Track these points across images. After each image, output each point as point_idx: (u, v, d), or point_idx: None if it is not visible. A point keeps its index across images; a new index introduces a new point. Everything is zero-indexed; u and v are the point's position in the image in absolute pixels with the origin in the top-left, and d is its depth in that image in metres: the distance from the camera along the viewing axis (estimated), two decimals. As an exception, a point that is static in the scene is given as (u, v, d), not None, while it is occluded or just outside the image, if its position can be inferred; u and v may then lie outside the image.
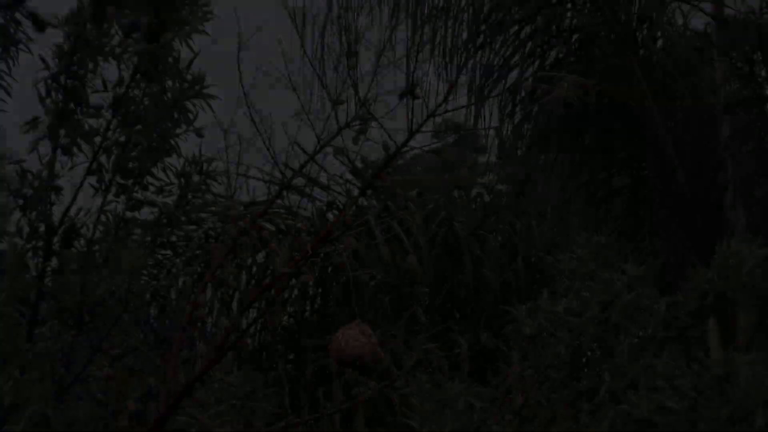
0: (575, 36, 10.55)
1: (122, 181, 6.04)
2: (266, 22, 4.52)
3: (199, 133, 6.13)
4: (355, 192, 9.60)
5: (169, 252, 9.78)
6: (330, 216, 9.07)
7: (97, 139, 5.93)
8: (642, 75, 9.97)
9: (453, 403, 5.05)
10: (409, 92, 4.39)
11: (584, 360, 4.88)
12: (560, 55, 10.57)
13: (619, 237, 5.24)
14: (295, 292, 8.79)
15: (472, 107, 10.88)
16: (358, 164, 9.61)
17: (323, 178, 9.67)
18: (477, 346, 7.86)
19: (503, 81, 10.58)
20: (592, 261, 4.95)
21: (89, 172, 5.97)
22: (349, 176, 10.10)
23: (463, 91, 10.89)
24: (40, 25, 1.53)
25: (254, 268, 8.92)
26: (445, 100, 4.56)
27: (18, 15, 5.82)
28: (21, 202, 5.71)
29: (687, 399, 4.58)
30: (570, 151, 10.91)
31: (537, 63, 10.49)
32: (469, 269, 9.45)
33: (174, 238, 9.31)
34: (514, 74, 10.61)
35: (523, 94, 10.38)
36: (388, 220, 8.43)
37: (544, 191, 12.15)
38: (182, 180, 6.18)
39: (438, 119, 4.50)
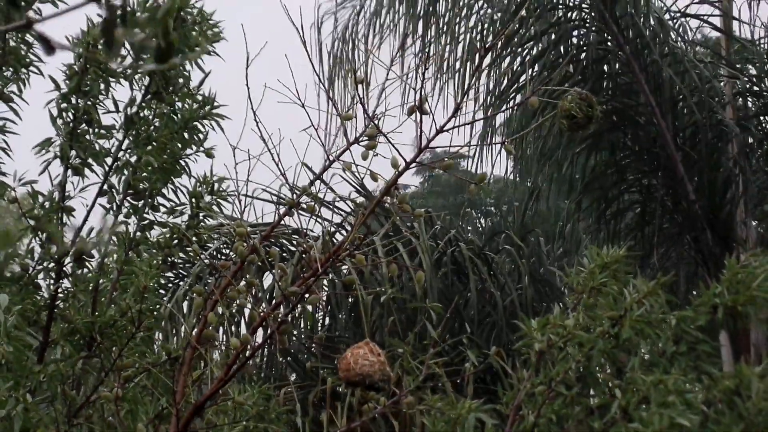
0: (584, 53, 10.57)
1: (133, 202, 6.05)
2: (274, 37, 4.53)
3: (209, 154, 6.14)
4: (362, 210, 9.60)
5: (171, 274, 9.77)
6: (338, 236, 9.08)
7: (108, 160, 5.94)
8: (651, 91, 9.99)
9: (463, 420, 5.04)
10: (418, 108, 4.40)
11: (595, 376, 4.86)
12: (568, 73, 10.60)
13: (628, 251, 5.20)
14: (303, 313, 8.81)
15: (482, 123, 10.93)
16: (366, 181, 9.64)
17: (330, 197, 9.69)
18: (484, 362, 7.86)
19: (512, 97, 10.63)
20: (601, 274, 4.94)
21: (100, 193, 5.98)
22: (355, 195, 10.12)
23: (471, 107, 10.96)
24: (49, 47, 1.52)
25: (259, 291, 8.91)
26: (454, 115, 4.57)
27: (29, 36, 5.84)
28: (33, 222, 5.72)
29: (698, 414, 4.55)
30: (581, 167, 10.93)
31: (545, 80, 10.51)
32: (474, 289, 9.44)
33: (178, 260, 9.32)
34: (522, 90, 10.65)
35: (531, 109, 10.40)
36: (394, 240, 8.42)
37: (555, 207, 12.16)
38: (193, 200, 6.19)
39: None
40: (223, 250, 9.42)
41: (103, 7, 1.59)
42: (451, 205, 23.78)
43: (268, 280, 9.23)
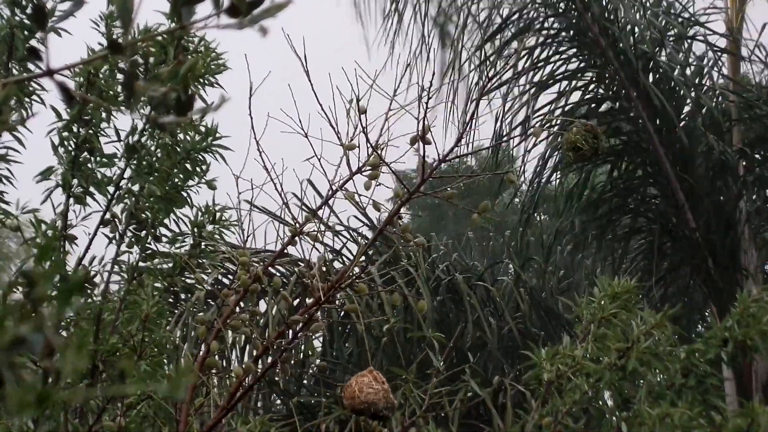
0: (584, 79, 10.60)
1: (136, 232, 6.04)
2: (277, 64, 4.56)
3: (211, 186, 6.14)
4: (362, 239, 9.60)
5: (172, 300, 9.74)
6: (337, 264, 9.07)
7: (111, 188, 5.93)
8: (649, 118, 9.98)
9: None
10: (421, 137, 4.41)
11: (601, 408, 4.85)
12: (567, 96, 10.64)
13: (637, 279, 5.22)
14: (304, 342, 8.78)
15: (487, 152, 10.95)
16: (370, 211, 9.64)
17: (331, 224, 9.67)
18: (487, 390, 7.83)
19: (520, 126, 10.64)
20: (611, 305, 4.93)
21: (102, 222, 5.97)
22: (357, 223, 10.10)
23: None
24: (69, 97, 1.52)
25: (260, 318, 8.89)
26: (456, 145, 4.59)
27: (30, 65, 5.85)
28: (35, 251, 5.72)
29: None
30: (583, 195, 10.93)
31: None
32: (469, 320, 9.40)
33: (180, 290, 9.29)
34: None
35: (535, 139, 10.42)
36: (391, 270, 8.39)
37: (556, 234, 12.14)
38: (195, 230, 6.18)
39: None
40: (222, 279, 9.40)
41: (126, 60, 1.61)
42: (438, 219, 23.64)
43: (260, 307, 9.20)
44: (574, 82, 10.72)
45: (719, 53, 11.19)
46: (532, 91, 10.75)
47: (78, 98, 1.81)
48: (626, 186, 10.88)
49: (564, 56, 10.68)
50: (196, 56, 5.93)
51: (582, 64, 10.72)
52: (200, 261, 6.20)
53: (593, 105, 10.60)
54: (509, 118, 10.80)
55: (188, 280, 7.97)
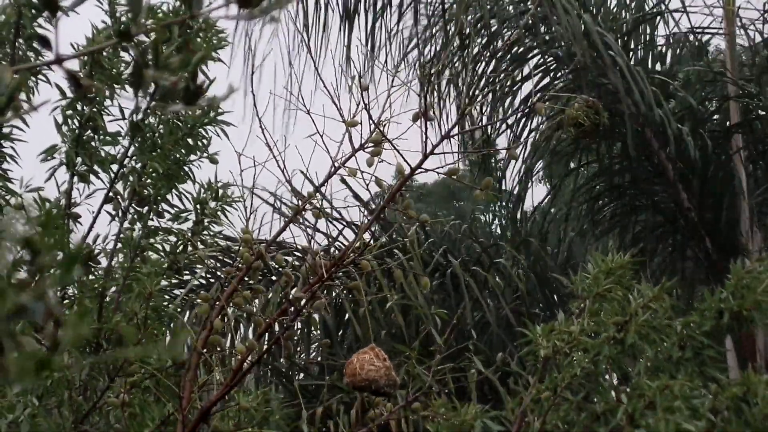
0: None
1: (138, 209, 6.06)
2: (278, 44, 4.57)
3: (213, 160, 6.15)
4: (365, 219, 9.60)
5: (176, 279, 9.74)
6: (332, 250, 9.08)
7: (114, 166, 5.95)
8: (632, 97, 9.94)
9: (468, 426, 5.05)
10: (423, 114, 4.41)
11: (600, 381, 4.88)
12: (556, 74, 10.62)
13: (635, 256, 5.23)
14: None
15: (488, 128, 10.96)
16: (371, 187, 9.63)
17: (329, 208, 9.68)
18: (489, 368, 7.84)
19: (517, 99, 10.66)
20: (605, 280, 4.95)
21: (106, 200, 5.99)
22: (352, 204, 10.10)
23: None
24: (77, 85, 1.54)
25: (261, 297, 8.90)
26: (459, 122, 4.60)
27: (36, 44, 5.87)
28: (39, 229, 5.73)
29: (704, 420, 4.57)
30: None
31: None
32: (467, 303, 9.40)
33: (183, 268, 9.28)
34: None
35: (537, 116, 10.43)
36: (384, 255, 8.38)
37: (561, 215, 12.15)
38: (198, 207, 6.20)
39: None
40: (216, 271, 9.39)
41: (134, 48, 1.62)
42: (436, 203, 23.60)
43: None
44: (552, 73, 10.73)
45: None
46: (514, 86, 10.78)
47: (85, 87, 1.82)
48: (622, 166, 10.88)
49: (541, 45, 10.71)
50: (201, 33, 5.94)
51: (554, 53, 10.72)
52: (203, 239, 6.22)
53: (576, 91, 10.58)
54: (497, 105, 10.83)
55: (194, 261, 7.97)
